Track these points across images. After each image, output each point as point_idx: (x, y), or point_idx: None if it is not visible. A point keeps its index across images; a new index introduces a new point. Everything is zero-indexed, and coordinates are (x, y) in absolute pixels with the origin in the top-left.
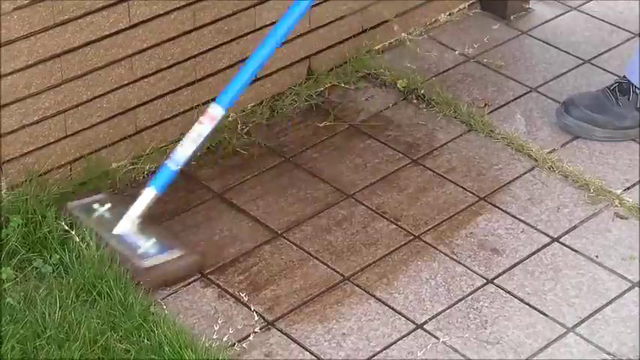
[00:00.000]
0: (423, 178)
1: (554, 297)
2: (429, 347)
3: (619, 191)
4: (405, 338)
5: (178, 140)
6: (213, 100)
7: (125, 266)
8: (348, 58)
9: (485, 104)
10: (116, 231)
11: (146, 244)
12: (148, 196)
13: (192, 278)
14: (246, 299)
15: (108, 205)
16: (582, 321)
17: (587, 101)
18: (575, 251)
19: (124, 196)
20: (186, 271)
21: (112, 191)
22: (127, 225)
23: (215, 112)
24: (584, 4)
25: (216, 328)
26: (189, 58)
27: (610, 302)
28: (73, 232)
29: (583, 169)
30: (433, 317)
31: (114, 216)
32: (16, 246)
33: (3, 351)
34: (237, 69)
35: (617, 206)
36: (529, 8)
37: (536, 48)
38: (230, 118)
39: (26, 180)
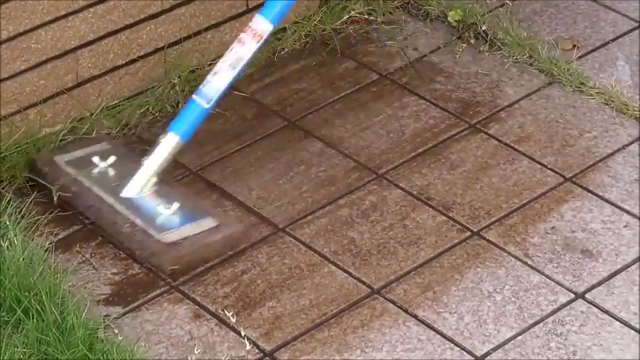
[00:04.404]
0: (484, 150)
1: None
2: None
3: None
4: None
5: (136, 96)
6: (188, 38)
7: (138, 243)
8: None
9: (574, 46)
10: (125, 193)
11: (167, 211)
12: (168, 144)
13: (158, 291)
14: (233, 320)
15: (113, 158)
16: None
17: None
18: None
19: (134, 145)
20: (222, 248)
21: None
22: (141, 185)
23: (261, 26)
24: None
25: None
26: None
27: None
28: None
29: None
30: (499, 346)
31: (122, 172)
32: None
33: None
34: None
35: None
36: None
37: None
38: (210, 66)
39: None
